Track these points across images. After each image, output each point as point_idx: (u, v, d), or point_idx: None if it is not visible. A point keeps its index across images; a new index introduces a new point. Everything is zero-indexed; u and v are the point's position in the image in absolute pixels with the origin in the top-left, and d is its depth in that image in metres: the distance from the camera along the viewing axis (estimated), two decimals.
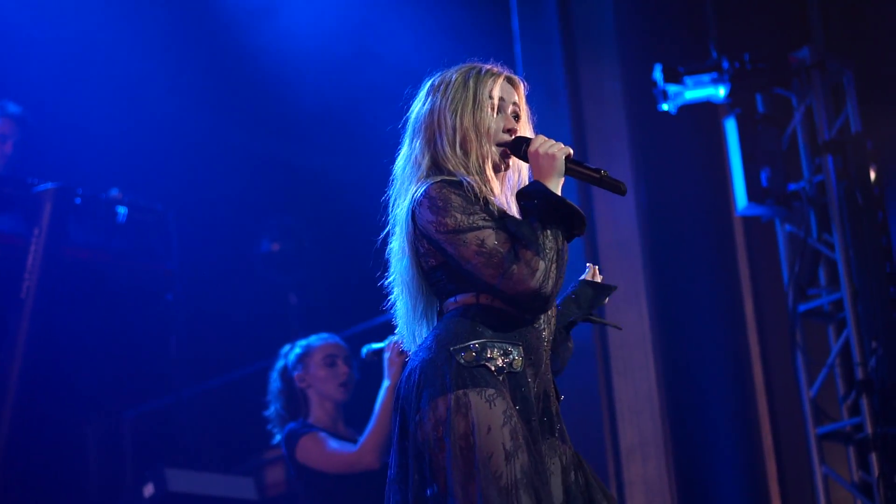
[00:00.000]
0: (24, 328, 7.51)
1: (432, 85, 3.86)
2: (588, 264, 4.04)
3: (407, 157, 3.83)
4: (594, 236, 7.76)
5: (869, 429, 7.19)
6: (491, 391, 3.50)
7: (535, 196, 3.59)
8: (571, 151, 3.67)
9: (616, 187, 3.65)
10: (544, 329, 3.69)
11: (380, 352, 5.96)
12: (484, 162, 3.72)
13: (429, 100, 3.84)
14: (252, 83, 9.13)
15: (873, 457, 7.14)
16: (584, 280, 3.98)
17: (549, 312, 3.71)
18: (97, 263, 8.08)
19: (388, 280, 3.84)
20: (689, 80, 7.61)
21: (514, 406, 3.54)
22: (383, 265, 3.89)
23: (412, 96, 3.93)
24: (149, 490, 7.64)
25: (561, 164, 3.63)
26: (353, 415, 6.47)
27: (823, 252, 7.65)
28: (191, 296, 8.64)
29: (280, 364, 6.47)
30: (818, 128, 7.62)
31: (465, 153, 3.72)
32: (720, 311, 8.00)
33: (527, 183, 3.77)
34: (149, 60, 8.81)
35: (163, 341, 8.46)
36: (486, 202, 3.64)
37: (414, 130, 3.84)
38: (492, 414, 3.47)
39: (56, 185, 7.70)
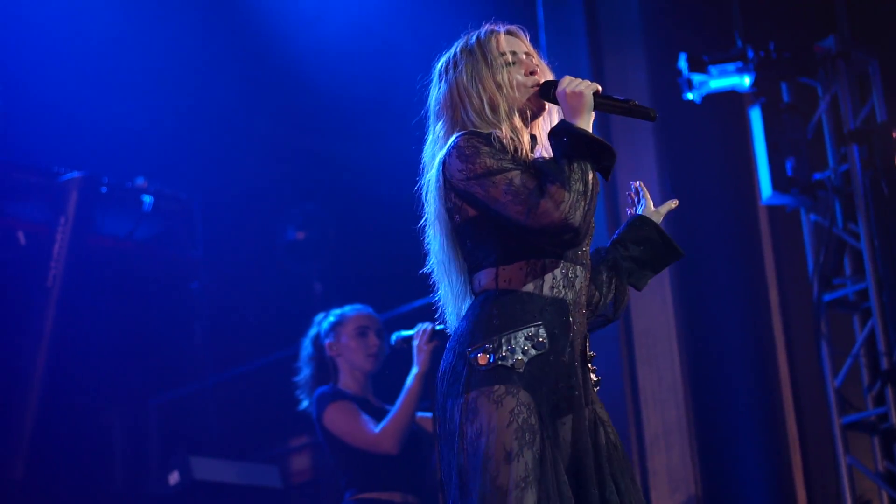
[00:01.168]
0: (50, 316, 7.55)
1: (441, 68, 3.87)
2: (634, 184, 4.06)
3: (433, 141, 3.83)
4: (619, 225, 7.76)
5: (894, 419, 7.18)
6: (500, 390, 3.51)
7: (563, 134, 3.58)
8: (599, 87, 3.66)
9: (646, 114, 3.66)
10: (569, 297, 3.68)
11: (409, 339, 6.00)
12: (512, 112, 3.72)
13: (442, 82, 3.84)
14: (277, 72, 9.14)
15: None
16: (643, 218, 4.08)
17: (580, 274, 3.72)
18: (123, 252, 8.11)
19: (428, 267, 3.83)
20: (713, 69, 7.60)
21: (541, 388, 3.56)
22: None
23: (425, 86, 3.93)
24: (174, 478, 7.68)
25: (589, 100, 3.62)
26: (382, 390, 6.50)
27: (849, 242, 7.63)
28: (216, 284, 8.67)
29: (313, 331, 6.50)
30: (843, 117, 7.60)
31: (494, 112, 3.71)
32: (745, 300, 7.99)
33: None
34: (175, 50, 8.83)
35: (188, 329, 8.49)
36: (516, 151, 3.65)
37: (436, 114, 3.85)
38: (498, 415, 3.49)
39: (82, 173, 7.73)
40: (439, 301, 3.84)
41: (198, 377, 8.62)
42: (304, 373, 6.46)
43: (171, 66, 8.89)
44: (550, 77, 3.82)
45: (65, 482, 7.76)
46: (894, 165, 7.31)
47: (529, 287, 3.63)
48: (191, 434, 8.67)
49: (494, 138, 3.65)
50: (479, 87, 3.75)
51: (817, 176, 7.68)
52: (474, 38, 3.83)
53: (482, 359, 3.55)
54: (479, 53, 3.79)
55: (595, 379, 3.78)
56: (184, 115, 9.04)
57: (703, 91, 7.62)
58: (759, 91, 7.66)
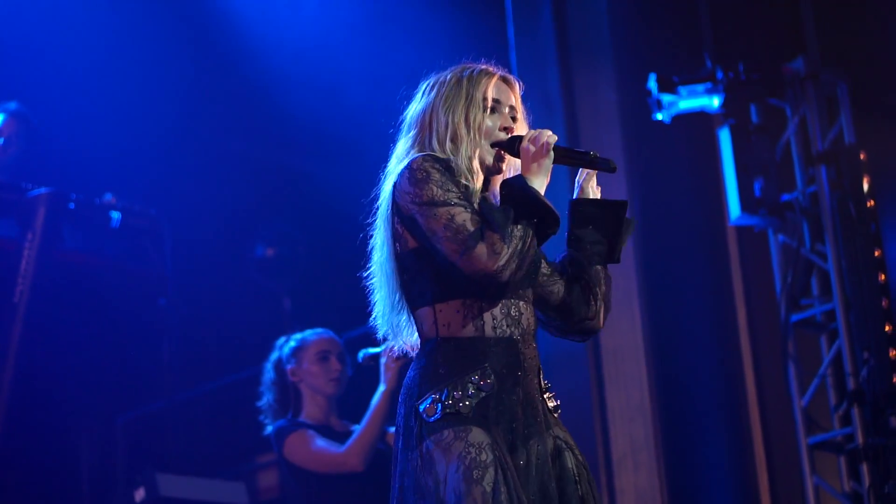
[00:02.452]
0: (16, 332, 7.50)
1: (427, 85, 3.89)
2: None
3: (397, 155, 3.84)
4: None
5: (860, 439, 7.20)
6: (449, 436, 3.55)
7: (516, 190, 3.61)
8: (556, 138, 3.69)
9: (606, 165, 3.70)
10: (515, 335, 3.69)
11: (376, 356, 6.00)
12: (472, 156, 3.73)
13: (423, 99, 3.86)
14: (247, 88, 9.13)
15: (864, 467, 7.15)
16: (580, 200, 3.94)
17: (524, 309, 3.73)
18: (91, 268, 8.07)
19: (368, 272, 3.87)
20: (683, 89, 7.63)
21: (495, 425, 3.58)
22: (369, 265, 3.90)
23: (407, 98, 3.95)
24: (140, 495, 7.63)
25: (548, 161, 3.66)
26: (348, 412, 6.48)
27: (816, 263, 7.67)
28: (184, 301, 8.63)
29: (275, 356, 6.48)
30: (812, 139, 7.64)
31: (455, 148, 3.73)
32: (713, 320, 8.01)
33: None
34: (146, 67, 8.81)
35: (156, 346, 8.45)
36: (467, 188, 3.67)
37: (406, 128, 3.87)
38: (447, 462, 3.52)
39: (50, 189, 7.70)
40: (373, 306, 3.87)
41: (165, 394, 8.58)
42: (267, 398, 6.44)
43: (141, 83, 8.87)
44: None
45: (30, 498, 7.70)
46: (862, 187, 7.36)
47: (470, 331, 3.66)
48: (158, 451, 8.62)
49: (453, 165, 3.68)
50: (450, 116, 3.77)
51: (785, 197, 7.71)
52: (468, 71, 3.84)
53: (430, 410, 3.59)
54: (465, 88, 3.80)
55: (553, 405, 3.80)
56: (153, 132, 9.01)
57: (673, 111, 7.65)
58: (728, 112, 7.69)
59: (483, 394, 3.59)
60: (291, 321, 9.38)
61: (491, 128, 3.78)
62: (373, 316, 3.89)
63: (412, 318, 3.77)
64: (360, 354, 6.03)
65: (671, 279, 7.96)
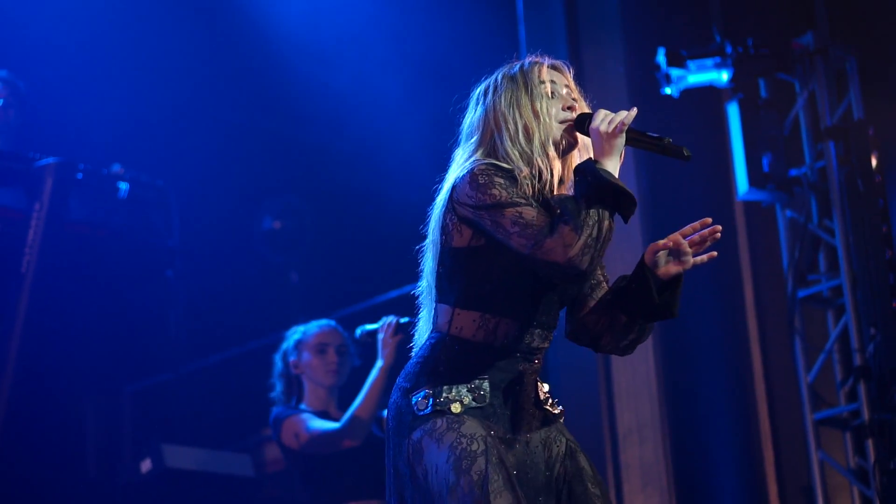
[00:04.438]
0: (23, 302, 7.51)
1: (480, 92, 3.85)
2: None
3: (458, 163, 3.79)
4: None
5: (866, 415, 7.20)
6: (442, 426, 3.56)
7: (588, 174, 3.55)
8: (635, 113, 3.62)
9: (679, 153, 3.63)
10: (522, 354, 3.69)
11: (374, 333, 6.03)
12: (546, 142, 3.69)
13: (479, 105, 3.81)
14: (256, 59, 9.12)
15: (870, 443, 7.17)
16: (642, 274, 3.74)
17: (537, 337, 3.70)
18: (98, 239, 8.07)
19: (419, 289, 3.85)
20: (692, 64, 7.61)
21: (488, 426, 3.59)
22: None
23: (458, 106, 3.92)
24: (146, 465, 7.66)
25: (621, 140, 3.59)
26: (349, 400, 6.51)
27: (824, 238, 7.66)
28: (191, 273, 8.63)
29: (283, 347, 6.56)
30: (820, 114, 7.62)
31: (528, 140, 3.68)
32: (720, 295, 8.01)
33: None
34: (154, 37, 8.80)
35: (163, 318, 8.45)
36: (541, 183, 3.64)
37: (468, 136, 3.82)
38: (439, 453, 3.53)
39: (57, 160, 7.69)
40: (418, 323, 3.86)
41: (172, 366, 8.60)
42: (277, 388, 6.51)
43: (149, 54, 8.86)
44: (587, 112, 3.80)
45: (36, 469, 7.73)
46: (870, 162, 7.34)
47: (480, 338, 3.65)
48: (164, 422, 8.65)
49: (516, 172, 3.63)
50: (517, 113, 3.72)
51: (793, 172, 7.70)
52: (517, 66, 3.81)
53: (421, 404, 3.60)
54: (521, 81, 3.76)
55: (557, 411, 3.81)
56: (161, 103, 9.01)
57: (681, 86, 7.64)
58: (737, 87, 7.68)
59: (475, 404, 3.60)
60: (298, 294, 9.39)
61: (556, 111, 3.74)
62: (412, 305, 3.88)
63: (434, 306, 3.76)
64: (358, 331, 6.06)
65: None
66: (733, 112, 7.69)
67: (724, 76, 7.63)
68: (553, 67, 3.84)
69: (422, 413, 3.58)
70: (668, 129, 7.99)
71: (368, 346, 6.17)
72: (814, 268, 7.77)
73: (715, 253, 3.76)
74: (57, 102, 8.43)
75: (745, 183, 7.59)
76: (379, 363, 6.04)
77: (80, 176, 7.85)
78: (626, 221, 3.58)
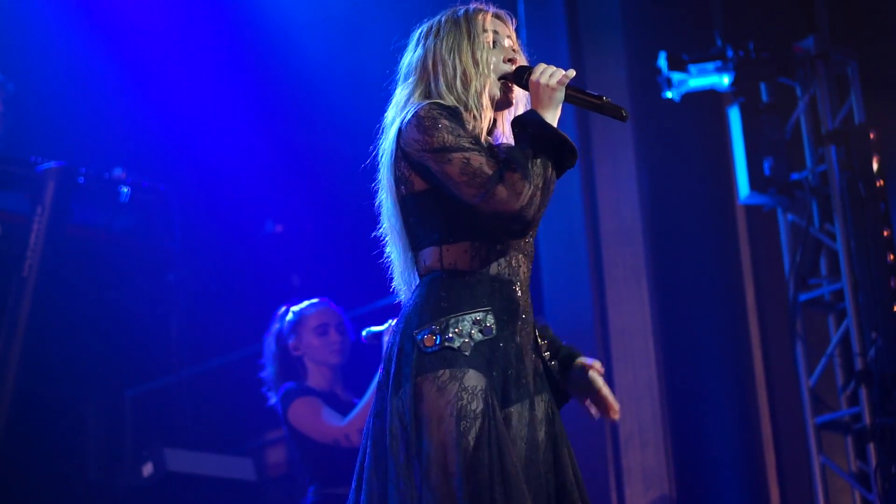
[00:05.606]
0: (25, 306, 7.51)
1: (422, 32, 3.84)
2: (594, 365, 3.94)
3: (395, 104, 3.79)
4: (596, 223, 7.78)
5: (867, 419, 7.20)
6: (445, 375, 3.50)
7: (530, 125, 3.55)
8: (573, 73, 3.63)
9: (618, 112, 3.61)
10: (516, 283, 3.66)
11: (379, 335, 6.01)
12: (482, 91, 3.68)
13: (420, 46, 3.81)
14: (258, 64, 9.12)
15: (871, 447, 7.16)
16: (579, 365, 3.91)
17: (523, 263, 3.69)
18: (99, 243, 8.08)
19: (380, 231, 3.82)
20: (693, 68, 7.61)
21: (490, 372, 3.54)
22: (385, 248, 3.89)
23: (400, 48, 3.92)
24: (147, 469, 7.65)
25: (560, 94, 3.60)
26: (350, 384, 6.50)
27: (825, 242, 7.66)
28: (193, 276, 8.65)
29: (276, 328, 6.52)
30: (822, 118, 7.62)
31: (465, 87, 3.68)
32: (721, 299, 8.01)
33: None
34: (154, 41, 8.80)
35: (164, 321, 8.47)
36: (475, 131, 3.63)
37: (404, 76, 3.82)
38: (441, 401, 3.48)
39: (59, 164, 7.70)
40: (389, 264, 3.82)
41: (173, 369, 8.59)
42: (270, 370, 6.48)
43: (150, 58, 8.87)
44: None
45: (38, 472, 7.73)
46: (872, 167, 7.34)
47: (476, 267, 3.61)
48: (166, 426, 8.64)
49: (459, 112, 3.63)
50: (457, 58, 3.71)
51: (795, 176, 7.70)
52: (462, 10, 3.80)
53: (428, 341, 3.53)
54: (465, 27, 3.76)
55: (554, 363, 3.80)
56: (162, 106, 9.01)
57: (683, 90, 7.64)
58: (738, 91, 7.68)
59: (482, 337, 3.56)
60: (299, 297, 9.39)
61: (496, 62, 3.74)
62: (392, 277, 3.84)
63: (416, 259, 3.72)
64: (364, 333, 6.05)
65: (680, 258, 7.96)
66: (734, 116, 7.69)
67: (726, 80, 7.63)
68: (497, 16, 3.84)
69: (430, 350, 3.53)
70: (670, 133, 8.03)
71: (374, 347, 6.15)
72: (815, 272, 7.77)
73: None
74: (59, 107, 8.44)
75: (747, 187, 7.59)
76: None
77: (81, 180, 7.86)
78: (561, 174, 3.57)
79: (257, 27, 8.87)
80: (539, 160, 3.50)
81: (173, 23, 8.88)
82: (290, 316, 6.50)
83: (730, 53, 7.57)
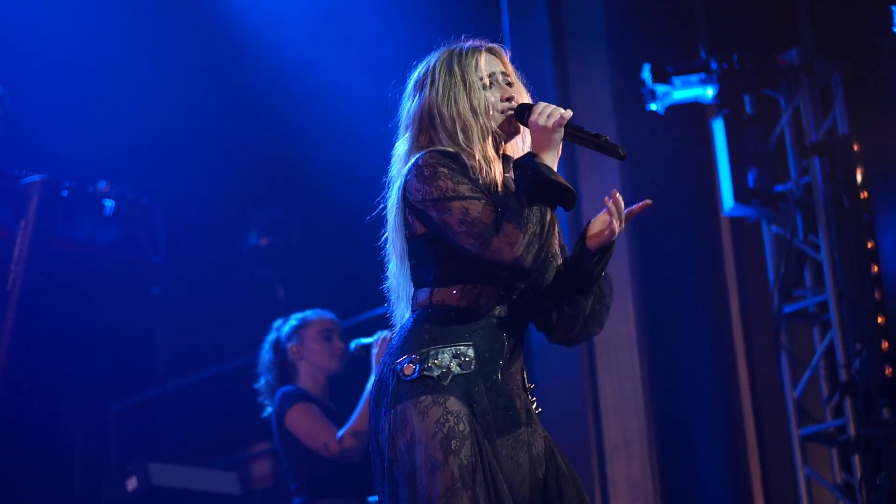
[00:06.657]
0: (9, 320, 7.49)
1: (417, 80, 3.84)
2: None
3: (398, 157, 3.81)
4: (580, 234, 7.77)
5: (852, 430, 7.21)
6: (427, 400, 3.53)
7: (527, 168, 3.58)
8: (571, 113, 3.64)
9: (615, 151, 3.65)
10: (506, 327, 3.68)
11: (368, 346, 6.03)
12: (485, 137, 3.71)
13: (416, 96, 3.82)
14: (242, 75, 9.11)
15: (856, 458, 7.17)
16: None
17: (518, 307, 3.71)
18: (84, 256, 8.06)
19: (386, 285, 3.86)
20: (677, 80, 7.62)
21: (471, 404, 3.56)
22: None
23: (397, 91, 3.92)
24: (132, 484, 7.63)
25: (559, 135, 3.62)
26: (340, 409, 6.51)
27: (809, 254, 7.67)
28: (177, 289, 8.63)
29: (273, 337, 6.55)
30: (805, 129, 7.64)
31: (467, 137, 3.69)
32: (706, 310, 8.02)
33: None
34: (136, 52, 8.79)
35: (149, 335, 8.45)
36: (486, 176, 3.65)
37: (405, 127, 3.83)
38: (424, 426, 3.50)
39: (43, 177, 7.68)
40: (393, 318, 3.87)
41: (158, 383, 8.58)
42: (265, 378, 6.49)
43: (133, 70, 8.85)
44: (526, 98, 3.82)
45: (23, 486, 7.71)
46: (856, 178, 7.35)
47: (464, 305, 3.65)
48: (150, 440, 8.63)
49: (460, 159, 3.64)
50: (454, 110, 3.73)
51: (779, 188, 7.72)
52: (455, 56, 3.80)
53: (408, 369, 3.57)
54: (459, 75, 3.76)
55: (539, 410, 3.80)
56: (147, 120, 8.99)
57: (667, 102, 7.65)
58: (722, 102, 7.69)
59: (461, 371, 3.57)
60: (285, 310, 9.38)
61: (494, 103, 3.75)
62: (390, 308, 3.89)
63: (413, 297, 3.76)
64: (353, 344, 6.07)
65: (664, 270, 7.97)
66: (718, 128, 7.71)
67: (710, 92, 7.64)
68: (490, 52, 3.84)
69: (408, 378, 3.55)
70: (654, 145, 8.04)
71: (362, 359, 6.16)
72: (800, 283, 7.78)
73: (649, 201, 3.94)
74: (42, 120, 8.41)
75: (731, 199, 7.60)
76: (373, 377, 6.04)
77: (65, 193, 7.84)
78: (567, 210, 3.62)
79: (242, 40, 8.85)
80: (535, 207, 3.54)
81: (158, 36, 8.87)
82: (291, 321, 6.54)
83: (713, 65, 7.58)
